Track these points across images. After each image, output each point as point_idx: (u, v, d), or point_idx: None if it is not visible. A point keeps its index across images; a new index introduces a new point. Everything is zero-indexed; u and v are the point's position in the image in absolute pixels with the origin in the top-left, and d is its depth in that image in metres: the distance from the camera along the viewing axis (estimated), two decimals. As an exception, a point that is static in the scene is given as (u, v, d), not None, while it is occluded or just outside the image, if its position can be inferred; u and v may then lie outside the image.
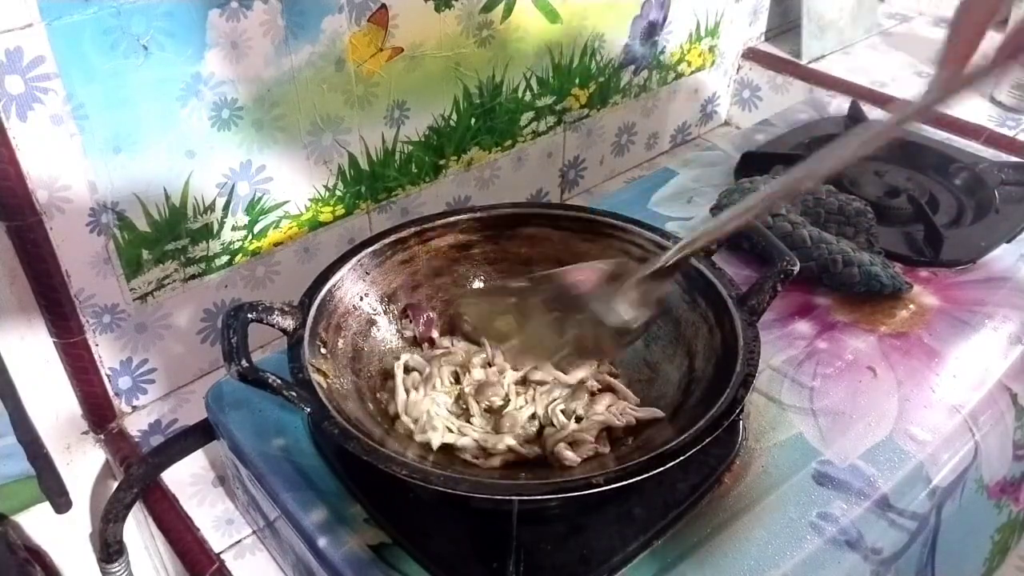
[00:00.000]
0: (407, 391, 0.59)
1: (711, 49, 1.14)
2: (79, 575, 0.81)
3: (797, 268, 0.59)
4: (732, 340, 0.57)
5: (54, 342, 0.69)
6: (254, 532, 0.67)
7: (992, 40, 0.45)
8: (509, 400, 0.58)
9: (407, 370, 0.61)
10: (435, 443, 0.55)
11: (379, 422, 0.57)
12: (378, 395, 0.60)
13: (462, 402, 0.59)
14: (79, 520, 0.78)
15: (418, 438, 0.56)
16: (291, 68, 0.72)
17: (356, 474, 0.56)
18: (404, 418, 0.58)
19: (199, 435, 0.67)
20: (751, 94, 1.22)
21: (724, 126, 1.25)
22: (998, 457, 0.68)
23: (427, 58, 0.81)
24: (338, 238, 0.84)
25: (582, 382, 0.60)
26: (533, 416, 0.58)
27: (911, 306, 0.73)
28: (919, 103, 0.48)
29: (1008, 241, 0.80)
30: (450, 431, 0.56)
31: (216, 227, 0.74)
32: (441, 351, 0.63)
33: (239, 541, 0.67)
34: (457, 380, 0.60)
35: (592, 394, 0.60)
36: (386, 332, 0.64)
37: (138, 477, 0.66)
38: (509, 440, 0.56)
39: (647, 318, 0.58)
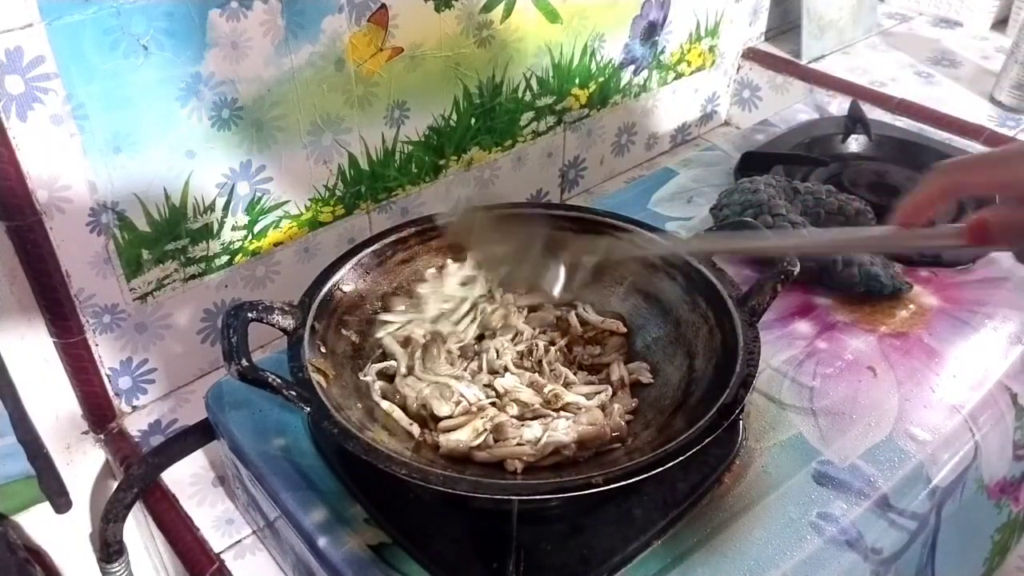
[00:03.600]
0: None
1: (711, 49, 1.14)
2: (79, 575, 0.81)
3: (797, 268, 0.59)
4: (732, 340, 0.57)
5: (54, 342, 0.69)
6: (254, 532, 0.67)
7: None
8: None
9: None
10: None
11: (378, 420, 0.57)
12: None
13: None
14: (79, 520, 0.78)
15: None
16: (291, 68, 0.72)
17: (356, 474, 0.56)
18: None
19: (199, 435, 0.67)
20: (751, 94, 1.22)
21: (724, 126, 1.25)
22: (998, 457, 0.68)
23: (427, 58, 0.81)
24: (338, 238, 0.84)
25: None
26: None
27: (911, 306, 0.73)
28: (864, 235, 0.53)
29: (1008, 241, 0.80)
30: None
31: (216, 227, 0.74)
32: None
33: (239, 541, 0.67)
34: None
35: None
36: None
37: (138, 477, 0.66)
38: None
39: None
